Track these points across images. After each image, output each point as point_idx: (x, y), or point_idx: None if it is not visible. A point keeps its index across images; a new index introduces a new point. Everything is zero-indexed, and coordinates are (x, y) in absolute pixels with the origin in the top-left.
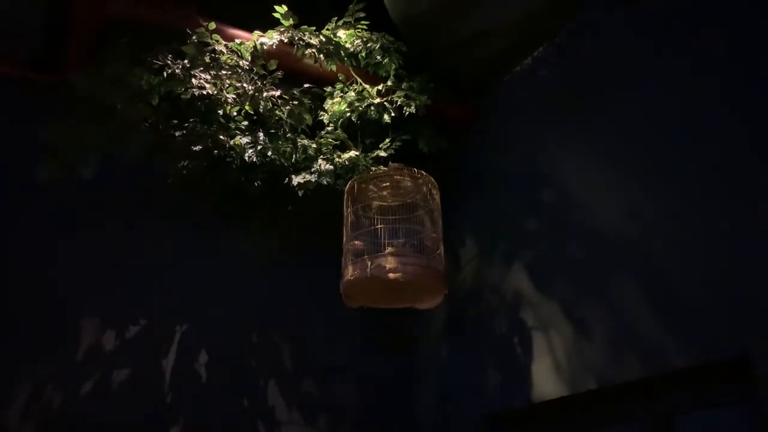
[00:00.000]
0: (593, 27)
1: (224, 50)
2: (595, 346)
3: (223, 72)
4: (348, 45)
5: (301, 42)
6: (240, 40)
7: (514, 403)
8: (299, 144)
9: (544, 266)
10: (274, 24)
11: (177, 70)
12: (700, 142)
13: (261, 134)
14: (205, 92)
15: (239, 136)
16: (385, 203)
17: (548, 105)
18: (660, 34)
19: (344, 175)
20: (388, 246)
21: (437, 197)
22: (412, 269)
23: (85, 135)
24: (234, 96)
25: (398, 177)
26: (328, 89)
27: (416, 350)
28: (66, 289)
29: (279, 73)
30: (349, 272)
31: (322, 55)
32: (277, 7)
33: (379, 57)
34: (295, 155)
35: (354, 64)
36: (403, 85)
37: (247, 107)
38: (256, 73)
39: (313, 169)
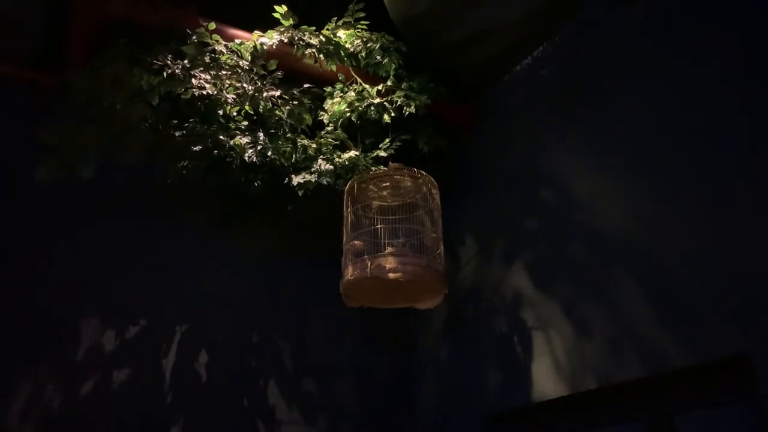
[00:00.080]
0: (593, 27)
1: (224, 50)
2: (595, 345)
3: (223, 72)
4: (348, 45)
5: (301, 42)
6: (240, 40)
7: (514, 403)
8: (299, 144)
9: (544, 266)
10: (274, 24)
11: (177, 71)
12: (700, 142)
13: (261, 134)
14: (204, 92)
15: (239, 136)
16: (385, 203)
17: (548, 105)
18: (660, 34)
19: (344, 175)
20: (388, 246)
21: (437, 197)
22: (412, 269)
23: (85, 135)
24: (234, 96)
25: (398, 177)
26: (328, 89)
27: (416, 350)
28: (66, 289)
29: (279, 73)
30: (349, 272)
31: (322, 55)
32: (277, 7)
33: (379, 57)
34: (295, 155)
35: (354, 64)
36: (403, 85)
37: (247, 107)
38: (256, 73)
39: (313, 169)
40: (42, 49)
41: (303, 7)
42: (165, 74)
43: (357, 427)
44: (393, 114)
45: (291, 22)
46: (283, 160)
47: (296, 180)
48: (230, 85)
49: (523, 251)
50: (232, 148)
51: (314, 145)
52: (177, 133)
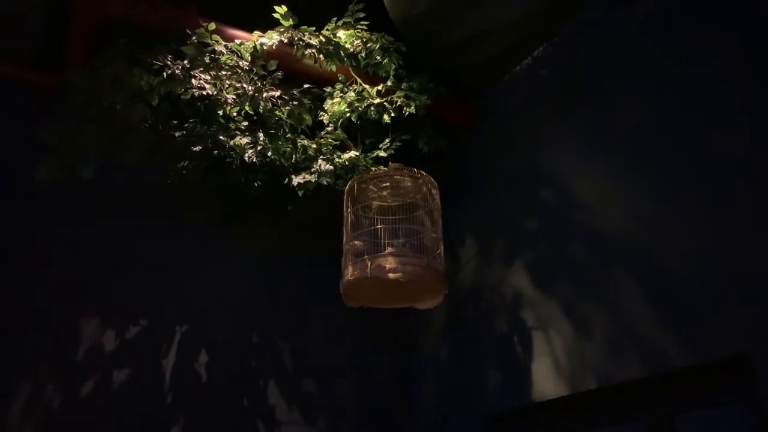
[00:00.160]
0: (593, 27)
1: (224, 50)
2: (595, 345)
3: (223, 72)
4: (348, 45)
5: (300, 42)
6: (240, 41)
7: (514, 403)
8: (299, 144)
9: (544, 266)
10: (274, 24)
11: (177, 71)
12: (700, 142)
13: (261, 134)
14: (204, 93)
15: (239, 137)
16: (385, 203)
17: (548, 105)
18: (660, 34)
19: (344, 176)
20: (388, 246)
21: (437, 197)
22: (412, 269)
23: (85, 135)
24: (234, 96)
25: (398, 177)
26: (328, 89)
27: (416, 350)
28: (66, 289)
29: (279, 74)
30: (349, 272)
31: (321, 56)
32: (276, 8)
33: (378, 57)
34: (295, 155)
35: (354, 64)
36: (403, 86)
37: (246, 107)
38: (256, 74)
39: (313, 170)
40: (42, 49)
41: (303, 8)
42: (165, 74)
43: (357, 427)
44: (393, 114)
45: (291, 22)
46: (283, 161)
47: (296, 180)
48: (230, 85)
49: (523, 251)
50: (232, 148)
51: (314, 146)
52: (177, 134)
